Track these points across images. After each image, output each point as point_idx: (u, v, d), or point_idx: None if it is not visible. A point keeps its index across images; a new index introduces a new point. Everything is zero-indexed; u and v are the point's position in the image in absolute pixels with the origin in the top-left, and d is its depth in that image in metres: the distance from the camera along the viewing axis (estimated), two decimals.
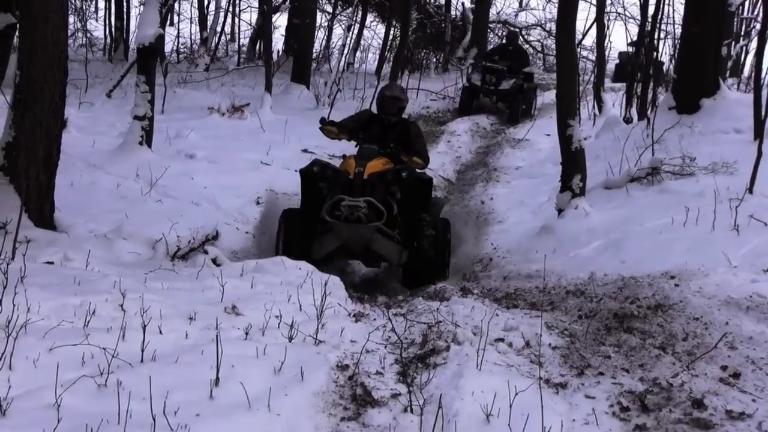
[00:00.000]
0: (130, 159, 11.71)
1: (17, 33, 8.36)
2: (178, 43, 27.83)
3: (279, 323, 5.63)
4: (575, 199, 10.25)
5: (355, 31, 26.03)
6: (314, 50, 23.44)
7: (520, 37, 28.08)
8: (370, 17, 28.45)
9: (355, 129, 9.78)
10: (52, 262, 7.01)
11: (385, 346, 5.63)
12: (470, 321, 6.17)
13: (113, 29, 26.59)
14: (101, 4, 29.28)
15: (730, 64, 21.90)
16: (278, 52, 24.56)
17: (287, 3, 24.29)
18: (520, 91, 19.91)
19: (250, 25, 29.19)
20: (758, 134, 10.56)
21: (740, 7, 18.22)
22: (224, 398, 4.35)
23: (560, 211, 10.34)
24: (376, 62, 26.31)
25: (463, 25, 28.24)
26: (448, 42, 28.44)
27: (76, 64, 16.29)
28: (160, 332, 5.13)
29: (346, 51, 23.22)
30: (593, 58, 20.91)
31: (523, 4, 33.57)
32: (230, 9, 30.61)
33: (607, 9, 19.29)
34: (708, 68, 13.28)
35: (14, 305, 4.93)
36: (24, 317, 4.88)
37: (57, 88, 7.75)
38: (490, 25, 29.16)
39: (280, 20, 26.77)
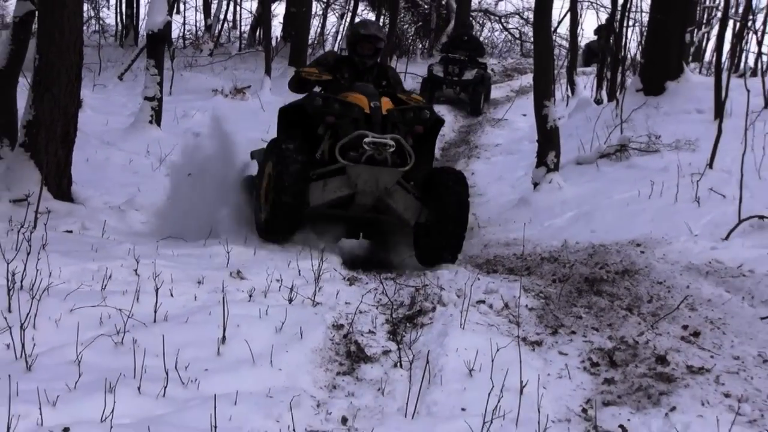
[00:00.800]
0: (141, 137, 11.73)
1: (36, 20, 8.29)
2: (184, 29, 27.79)
3: (280, 287, 5.64)
4: (550, 174, 10.32)
5: (348, 19, 25.92)
6: (310, 37, 23.33)
7: (497, 24, 28.00)
8: (361, 6, 28.27)
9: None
10: (70, 231, 7.03)
11: (377, 308, 5.62)
12: (454, 284, 6.18)
13: (124, 17, 26.42)
14: None
15: (692, 49, 21.81)
16: (277, 38, 24.44)
17: None
18: (482, 82, 18.99)
19: (251, 13, 29.20)
20: (718, 114, 10.60)
21: None
22: (230, 355, 4.37)
23: (536, 184, 10.40)
24: None
25: (447, 14, 28.10)
26: (433, 29, 28.32)
27: (89, 49, 16.17)
28: (171, 295, 5.14)
29: (339, 37, 23.16)
30: (566, 44, 20.84)
31: None
32: None
33: None
34: (672, 53, 13.29)
35: (37, 270, 4.95)
36: (46, 281, 4.88)
37: (73, 71, 7.74)
38: (472, 14, 29.00)
39: (279, 9, 26.69)
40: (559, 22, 23.52)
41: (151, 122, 12.62)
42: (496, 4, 33.11)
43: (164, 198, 8.14)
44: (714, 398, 4.18)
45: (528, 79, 20.20)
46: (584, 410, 4.10)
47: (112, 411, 3.48)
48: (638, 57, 17.18)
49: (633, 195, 9.01)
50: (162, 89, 13.17)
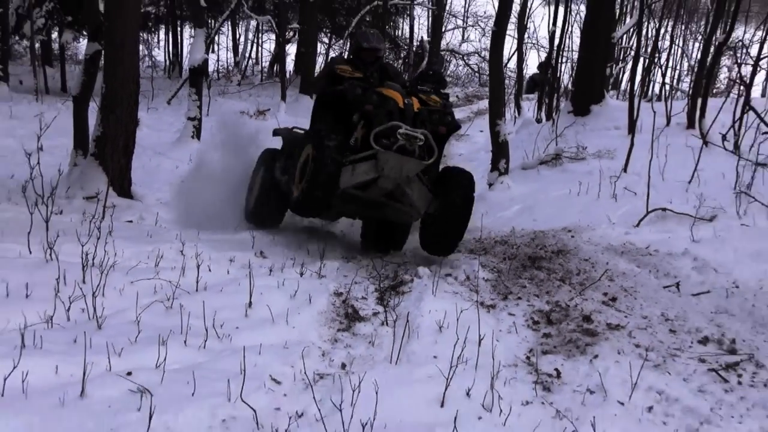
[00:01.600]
0: (185, 148, 11.70)
1: (102, 57, 8.26)
2: (218, 65, 27.56)
3: (293, 263, 5.65)
4: (501, 177, 10.36)
5: (344, 57, 25.75)
6: (316, 70, 23.23)
7: (461, 61, 27.89)
8: None
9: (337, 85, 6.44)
10: (131, 221, 7.01)
11: (368, 279, 5.62)
12: (428, 262, 6.19)
13: (171, 55, 26.31)
14: (162, 37, 28.86)
15: (611, 80, 21.87)
16: (290, 72, 24.35)
17: (296, 36, 24.08)
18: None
19: (270, 52, 29.09)
20: (631, 130, 10.65)
21: (620, 39, 18.15)
22: (255, 316, 4.39)
23: (490, 185, 10.44)
24: None
25: (422, 52, 28.02)
26: (411, 65, 28.23)
27: (144, 80, 16.00)
28: (209, 270, 5.14)
29: None
30: (514, 76, 20.80)
31: (465, 38, 33.21)
32: (255, 40, 30.45)
33: (525, 41, 19.18)
34: (596, 83, 13.35)
35: (105, 251, 4.95)
36: (112, 260, 4.89)
37: (132, 97, 7.72)
38: (441, 52, 28.91)
39: (291, 48, 26.49)
40: (509, 59, 23.39)
41: (192, 137, 12.58)
42: (460, 45, 33.03)
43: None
44: (627, 348, 4.20)
45: (484, 104, 20.16)
46: (528, 358, 4.11)
47: (165, 359, 3.49)
48: (570, 86, 17.20)
49: (565, 193, 9.02)
50: (201, 111, 13.14)
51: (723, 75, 21.18)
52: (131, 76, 7.70)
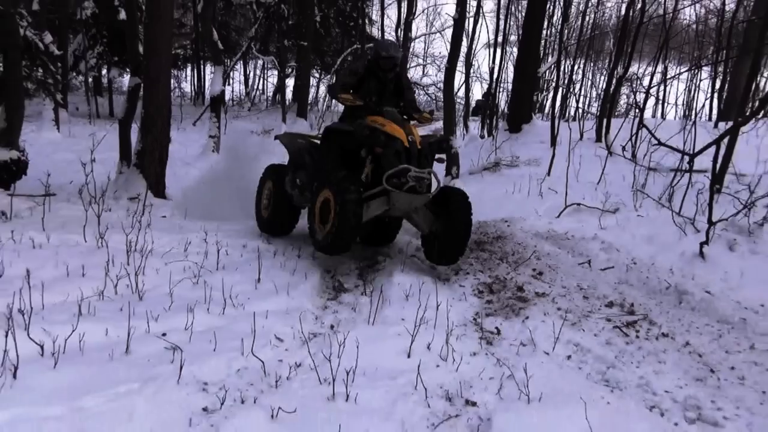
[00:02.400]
0: (207, 159, 11.57)
1: (141, 88, 8.15)
2: (232, 94, 27.41)
3: (293, 248, 5.63)
4: (453, 180, 10.33)
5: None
6: (309, 98, 23.09)
7: (422, 91, 27.83)
8: None
9: (357, 87, 5.66)
10: (165, 217, 6.91)
11: (351, 260, 5.64)
12: (396, 245, 6.19)
13: (195, 87, 26.13)
14: (188, 72, 28.60)
15: (538, 105, 22.02)
16: (288, 99, 24.21)
17: (293, 71, 23.92)
18: None
19: (273, 84, 28.84)
20: (553, 143, 10.72)
21: (544, 73, 18.25)
22: (263, 288, 4.37)
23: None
24: None
25: None
26: None
27: (175, 107, 15.85)
28: (227, 253, 5.11)
29: (327, 99, 22.96)
30: (463, 102, 20.84)
31: (425, 73, 33.03)
32: (262, 75, 30.30)
33: (471, 75, 19.19)
34: (526, 108, 13.41)
35: (145, 240, 4.91)
36: (150, 246, 4.84)
37: (165, 120, 7.62)
38: None
39: (289, 81, 26.32)
40: (459, 89, 23.46)
41: (213, 151, 12.45)
42: (421, 78, 32.93)
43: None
44: (551, 311, 4.24)
45: (440, 124, 20.16)
46: (474, 319, 4.13)
47: (192, 323, 3.47)
48: (506, 110, 17.28)
49: (503, 192, 9.05)
50: (219, 131, 13.03)
51: (623, 101, 21.36)
52: (165, 104, 7.60)
